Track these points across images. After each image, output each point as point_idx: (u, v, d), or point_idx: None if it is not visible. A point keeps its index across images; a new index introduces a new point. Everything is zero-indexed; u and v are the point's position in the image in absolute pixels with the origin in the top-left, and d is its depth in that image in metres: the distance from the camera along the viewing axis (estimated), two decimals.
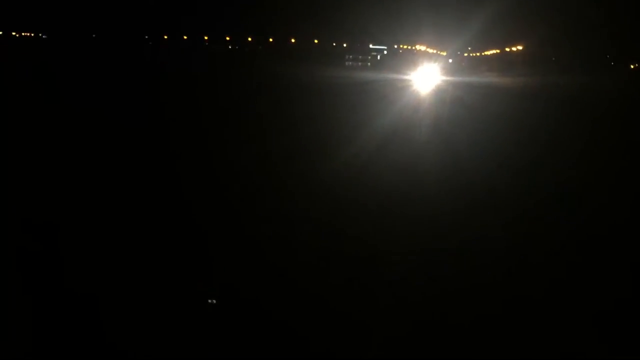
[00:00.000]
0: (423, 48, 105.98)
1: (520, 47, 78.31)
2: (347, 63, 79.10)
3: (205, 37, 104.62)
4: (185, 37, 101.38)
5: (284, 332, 7.25)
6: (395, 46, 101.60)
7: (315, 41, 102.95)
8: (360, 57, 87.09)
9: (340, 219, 9.06)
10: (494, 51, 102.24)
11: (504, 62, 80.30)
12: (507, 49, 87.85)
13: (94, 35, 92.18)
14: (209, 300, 9.05)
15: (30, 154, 16.44)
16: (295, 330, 7.21)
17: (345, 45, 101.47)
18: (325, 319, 7.61)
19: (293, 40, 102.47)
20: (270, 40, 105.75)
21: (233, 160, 13.52)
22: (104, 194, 11.98)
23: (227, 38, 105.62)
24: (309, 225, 8.69)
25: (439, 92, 28.30)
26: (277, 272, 7.74)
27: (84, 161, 13.89)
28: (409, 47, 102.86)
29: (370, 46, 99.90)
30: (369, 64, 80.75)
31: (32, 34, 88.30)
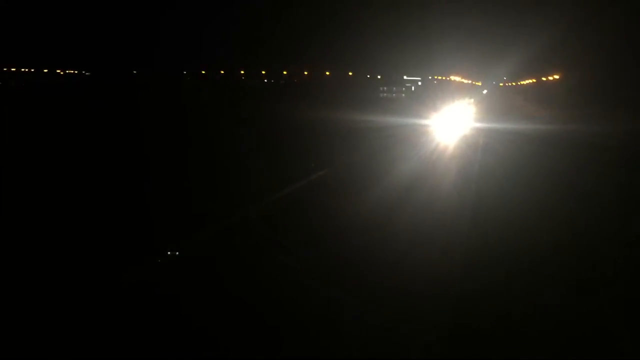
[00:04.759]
0: (458, 78, 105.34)
1: (557, 76, 76.30)
2: (381, 95, 79.31)
3: (242, 72, 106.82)
4: (222, 72, 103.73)
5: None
6: (430, 77, 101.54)
7: (350, 73, 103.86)
8: (394, 88, 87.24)
9: (358, 268, 8.89)
10: (530, 80, 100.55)
11: (541, 92, 78.41)
12: (544, 78, 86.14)
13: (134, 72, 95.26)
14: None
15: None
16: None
17: (379, 77, 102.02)
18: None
19: (328, 73, 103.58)
20: (306, 73, 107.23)
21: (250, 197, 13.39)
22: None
23: (263, 72, 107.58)
24: (326, 277, 8.56)
25: (473, 137, 27.61)
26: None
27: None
28: (444, 78, 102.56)
29: (405, 77, 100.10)
30: (403, 94, 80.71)
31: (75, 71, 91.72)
